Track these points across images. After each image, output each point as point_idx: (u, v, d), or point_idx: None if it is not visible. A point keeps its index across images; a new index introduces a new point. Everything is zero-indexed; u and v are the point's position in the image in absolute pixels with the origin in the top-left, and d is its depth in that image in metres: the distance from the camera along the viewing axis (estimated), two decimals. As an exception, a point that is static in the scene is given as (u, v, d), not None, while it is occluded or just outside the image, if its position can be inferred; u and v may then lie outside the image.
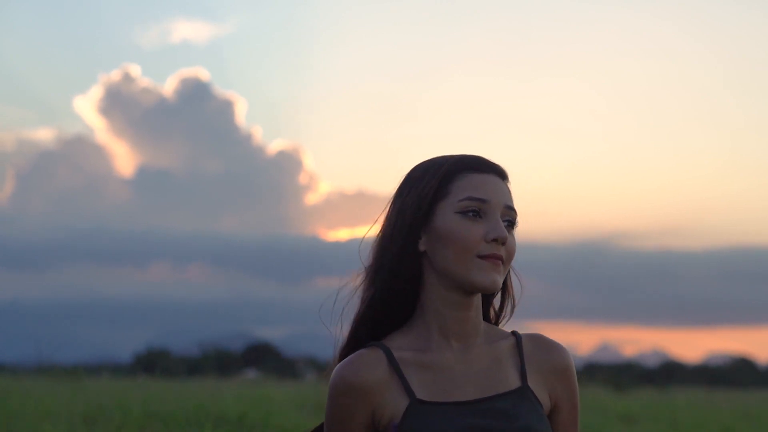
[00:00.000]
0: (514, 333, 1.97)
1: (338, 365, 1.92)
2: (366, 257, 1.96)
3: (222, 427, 9.11)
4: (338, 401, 1.89)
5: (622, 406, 15.60)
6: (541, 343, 1.95)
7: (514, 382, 1.90)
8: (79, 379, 15.58)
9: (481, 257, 1.86)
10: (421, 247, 1.90)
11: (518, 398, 1.88)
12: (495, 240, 1.86)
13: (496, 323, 2.00)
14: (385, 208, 1.96)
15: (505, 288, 1.99)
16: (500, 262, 1.87)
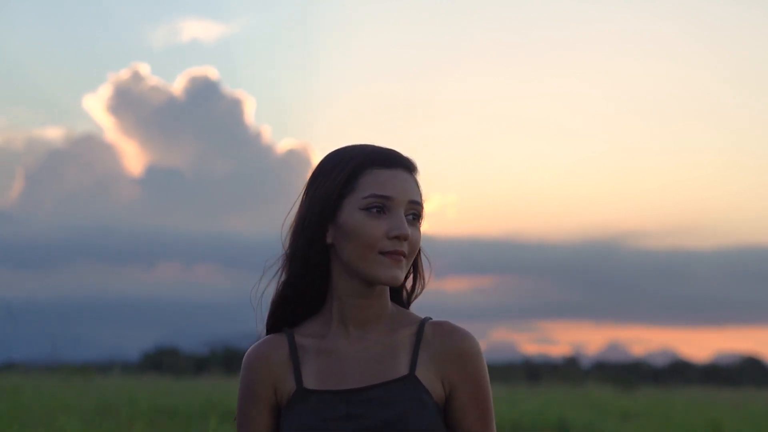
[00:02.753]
0: (423, 320, 2.00)
1: (249, 348, 2.02)
2: (285, 240, 2.01)
3: (228, 421, 9.22)
4: (244, 382, 1.99)
5: (622, 404, 15.71)
6: (443, 329, 1.97)
7: (401, 370, 1.93)
8: (90, 377, 15.71)
9: (383, 253, 1.91)
10: (329, 240, 1.95)
11: (400, 387, 1.91)
12: (397, 237, 1.91)
13: (408, 304, 2.05)
14: (300, 194, 2.00)
15: (416, 272, 2.03)
16: (402, 257, 1.92)
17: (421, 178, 2.01)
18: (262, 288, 2.03)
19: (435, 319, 2.00)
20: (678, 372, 42.74)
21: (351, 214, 1.93)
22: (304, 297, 2.00)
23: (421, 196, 1.97)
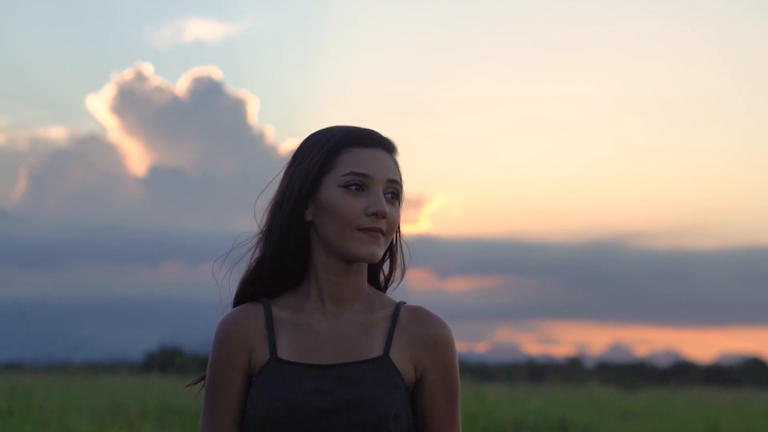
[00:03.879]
0: (398, 303, 2.03)
1: (223, 316, 2.05)
2: (261, 219, 2.05)
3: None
4: (218, 347, 2.01)
5: (623, 404, 15.77)
6: (419, 315, 2.00)
7: (375, 351, 1.97)
8: (96, 377, 15.76)
9: (361, 230, 1.95)
10: (308, 217, 1.99)
11: (373, 367, 1.95)
12: (375, 214, 1.95)
13: (385, 288, 2.08)
14: (280, 172, 2.04)
15: (393, 255, 2.06)
16: (380, 234, 1.96)
17: (400, 158, 2.03)
18: (232, 263, 2.07)
19: (410, 303, 2.03)
20: (682, 372, 42.77)
21: (330, 191, 1.97)
22: (281, 272, 2.03)
23: (400, 176, 2.01)
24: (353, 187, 1.96)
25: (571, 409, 13.59)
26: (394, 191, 2.00)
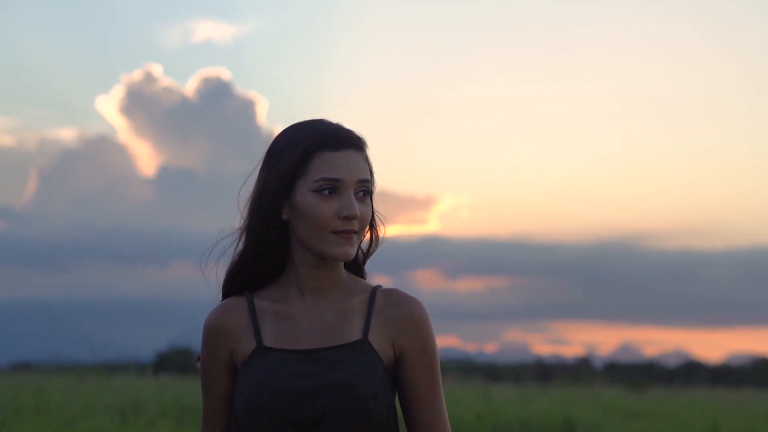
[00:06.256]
0: (374, 288, 2.12)
1: (210, 311, 2.14)
2: (243, 212, 2.13)
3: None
4: (205, 341, 2.13)
5: (628, 404, 15.86)
6: (394, 296, 2.09)
7: (355, 335, 2.06)
8: (109, 377, 15.82)
9: (335, 233, 2.03)
10: (284, 216, 2.07)
11: (352, 350, 2.04)
12: (347, 217, 2.03)
13: (364, 262, 2.18)
14: (257, 166, 2.12)
15: (372, 231, 2.14)
16: (353, 234, 2.04)
17: (370, 155, 2.09)
18: (216, 256, 2.15)
19: (385, 287, 2.12)
20: (691, 373, 42.65)
21: (303, 195, 2.04)
22: (262, 265, 2.12)
23: (370, 173, 2.09)
24: (326, 191, 2.03)
25: (576, 410, 13.66)
26: (365, 189, 2.07)
